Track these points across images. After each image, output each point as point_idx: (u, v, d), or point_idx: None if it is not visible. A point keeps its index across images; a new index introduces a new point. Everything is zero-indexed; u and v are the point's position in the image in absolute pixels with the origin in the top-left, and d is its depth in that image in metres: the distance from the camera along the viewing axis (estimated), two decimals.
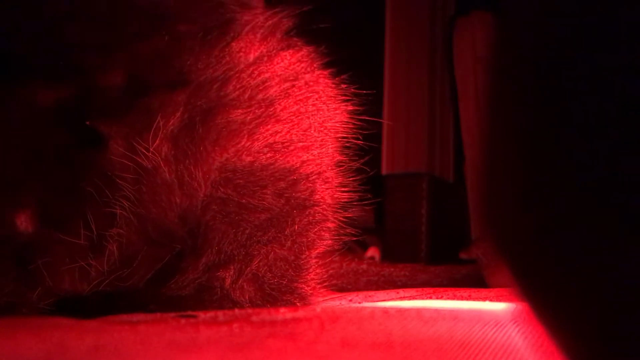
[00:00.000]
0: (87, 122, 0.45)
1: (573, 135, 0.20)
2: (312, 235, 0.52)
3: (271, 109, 0.49)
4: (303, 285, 0.52)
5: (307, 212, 0.51)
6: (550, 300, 0.22)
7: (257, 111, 0.49)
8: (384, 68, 1.52)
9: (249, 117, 0.48)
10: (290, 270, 0.50)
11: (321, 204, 0.52)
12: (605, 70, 0.19)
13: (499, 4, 0.23)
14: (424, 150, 1.52)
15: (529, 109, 0.21)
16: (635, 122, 0.18)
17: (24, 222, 0.44)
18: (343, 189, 0.54)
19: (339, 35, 0.54)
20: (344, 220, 0.54)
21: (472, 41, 1.49)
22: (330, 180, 0.53)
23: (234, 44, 0.50)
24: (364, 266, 0.86)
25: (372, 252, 1.28)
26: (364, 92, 0.54)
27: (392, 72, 1.53)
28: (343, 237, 0.55)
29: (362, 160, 0.55)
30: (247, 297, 0.48)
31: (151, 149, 0.46)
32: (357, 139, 0.54)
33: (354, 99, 0.54)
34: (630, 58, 0.18)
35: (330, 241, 0.54)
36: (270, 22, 0.52)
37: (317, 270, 0.54)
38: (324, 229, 0.53)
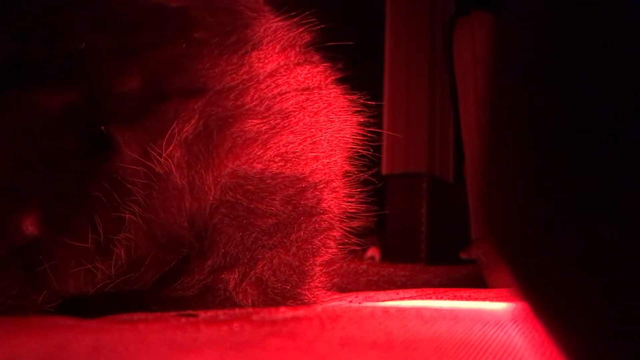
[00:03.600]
0: (102, 127, 0.46)
1: (573, 134, 0.20)
2: (317, 242, 0.52)
3: (286, 121, 0.50)
4: (306, 292, 0.52)
5: (313, 220, 0.51)
6: (550, 299, 0.22)
7: (272, 122, 0.49)
8: (384, 68, 1.52)
9: (264, 128, 0.49)
10: (294, 276, 0.50)
11: (327, 212, 0.52)
12: (605, 69, 0.19)
13: (499, 4, 0.23)
14: (424, 150, 1.52)
15: (528, 109, 0.21)
16: (636, 121, 0.18)
17: (30, 226, 0.44)
18: (350, 199, 0.54)
19: (337, 34, 0.54)
20: (350, 229, 0.55)
21: (472, 41, 1.49)
22: (337, 189, 0.53)
23: (254, 53, 0.50)
24: (364, 266, 0.86)
25: (372, 252, 1.28)
26: (374, 103, 0.55)
27: (392, 72, 1.52)
28: (348, 246, 0.55)
29: (369, 172, 0.55)
30: (249, 301, 0.48)
31: (164, 155, 0.46)
32: (366, 149, 0.55)
33: (364, 109, 0.54)
34: (630, 56, 0.18)
35: (335, 249, 0.55)
36: (290, 34, 0.52)
37: (321, 279, 0.54)
38: (330, 237, 0.54)
